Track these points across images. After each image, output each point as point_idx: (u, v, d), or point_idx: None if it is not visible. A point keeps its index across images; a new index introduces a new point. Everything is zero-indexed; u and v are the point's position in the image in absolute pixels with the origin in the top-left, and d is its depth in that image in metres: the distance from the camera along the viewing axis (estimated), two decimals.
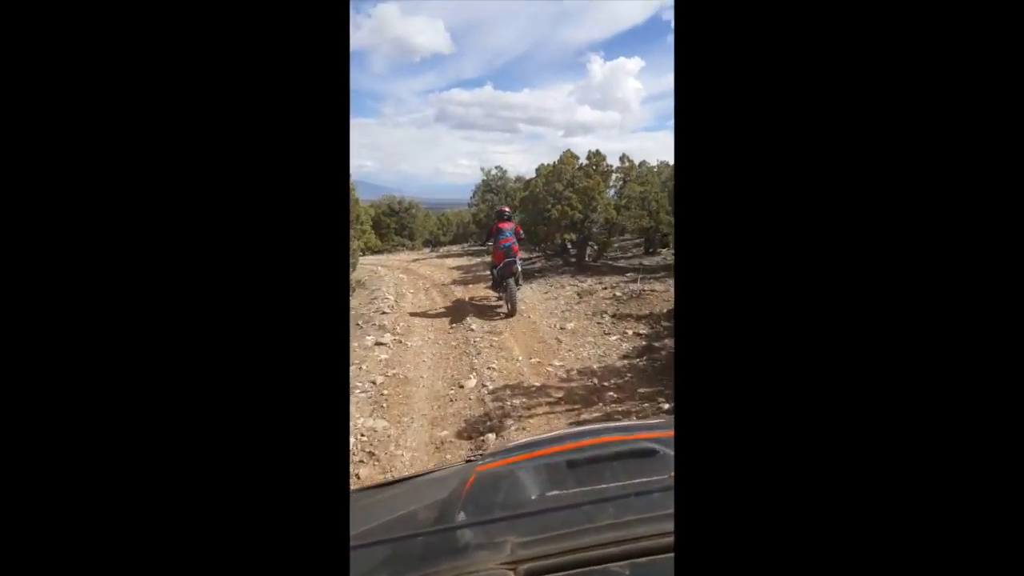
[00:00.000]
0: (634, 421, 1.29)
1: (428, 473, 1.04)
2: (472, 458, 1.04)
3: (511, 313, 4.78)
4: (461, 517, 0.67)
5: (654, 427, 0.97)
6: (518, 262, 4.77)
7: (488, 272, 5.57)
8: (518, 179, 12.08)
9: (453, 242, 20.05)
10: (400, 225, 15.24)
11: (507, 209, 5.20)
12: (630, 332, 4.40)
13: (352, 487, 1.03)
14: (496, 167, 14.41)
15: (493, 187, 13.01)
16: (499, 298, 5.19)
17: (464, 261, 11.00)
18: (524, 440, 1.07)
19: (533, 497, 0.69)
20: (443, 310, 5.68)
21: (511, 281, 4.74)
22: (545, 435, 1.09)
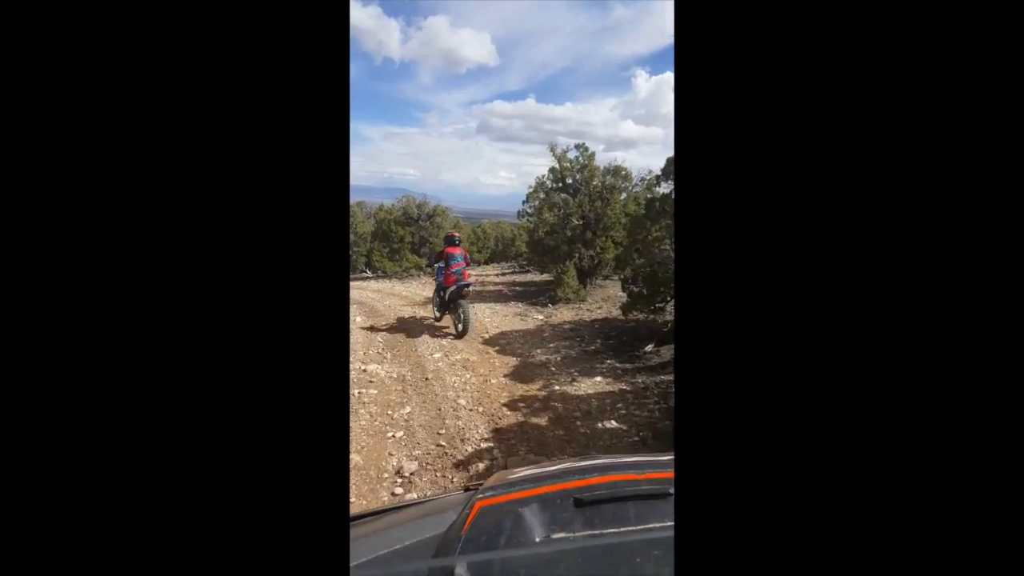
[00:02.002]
0: (645, 457, 0.99)
1: (425, 501, 1.02)
2: (471, 487, 0.95)
3: (463, 333, 4.79)
4: (459, 568, 0.59)
5: (666, 465, 0.83)
6: (471, 286, 4.88)
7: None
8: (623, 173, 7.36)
9: (491, 261, 16.01)
10: (419, 239, 11.12)
11: (457, 235, 5.25)
12: None
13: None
14: (578, 144, 9.22)
15: (570, 178, 7.72)
16: (437, 319, 5.30)
17: (521, 308, 6.80)
18: (527, 472, 0.98)
19: (537, 539, 0.64)
20: None
21: (464, 302, 4.79)
22: (550, 468, 0.99)
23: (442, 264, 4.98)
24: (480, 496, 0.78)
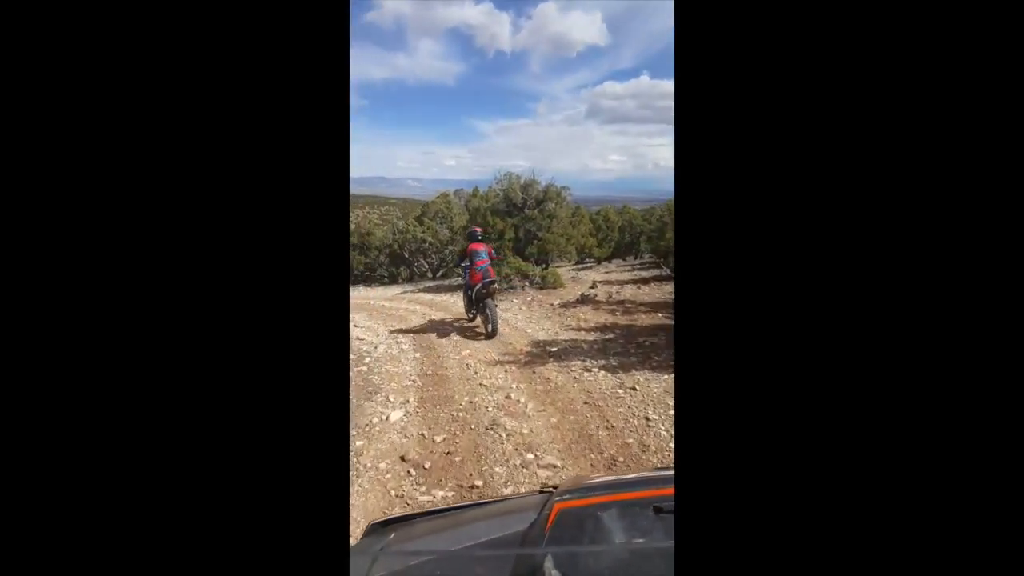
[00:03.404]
0: None
1: (498, 501, 1.06)
2: (546, 490, 0.98)
3: (492, 334, 4.56)
4: (548, 563, 0.62)
5: None
6: (496, 282, 4.68)
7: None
8: None
9: (613, 256, 12.32)
10: (525, 235, 7.91)
11: (479, 229, 5.10)
12: None
13: (413, 512, 1.10)
14: None
15: None
16: (471, 319, 5.12)
17: None
18: (605, 479, 1.07)
19: (617, 542, 0.66)
20: None
21: (490, 301, 4.58)
22: (627, 476, 1.05)
23: (466, 262, 4.76)
24: (559, 499, 0.80)
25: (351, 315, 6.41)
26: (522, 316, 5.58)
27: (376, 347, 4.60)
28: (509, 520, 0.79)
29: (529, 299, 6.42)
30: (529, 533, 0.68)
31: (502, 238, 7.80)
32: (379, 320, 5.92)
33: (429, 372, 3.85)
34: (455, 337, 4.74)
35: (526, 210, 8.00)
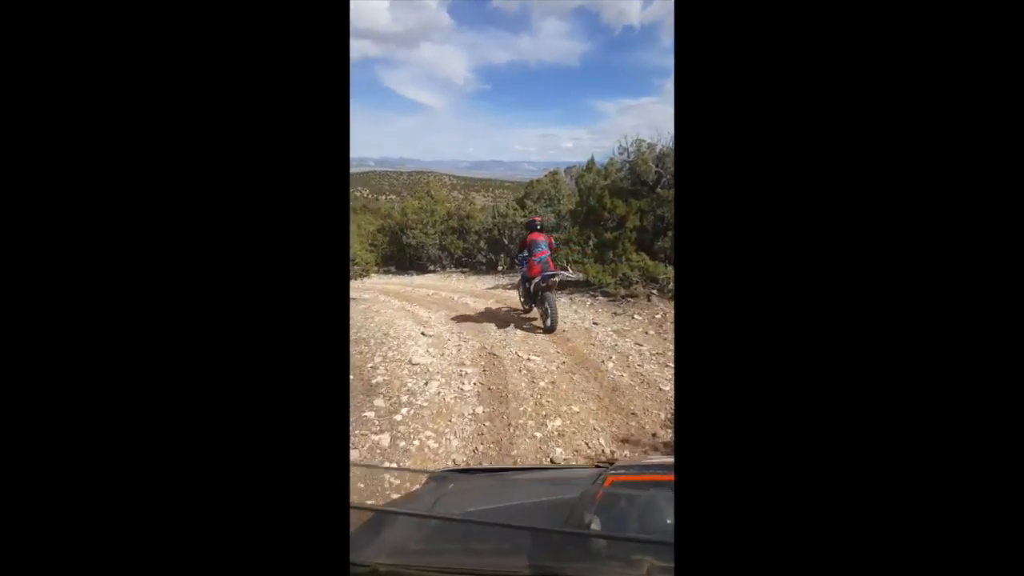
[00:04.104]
0: None
1: (548, 468, 1.18)
2: (601, 464, 1.02)
3: (551, 328, 4.22)
4: (595, 524, 0.65)
5: None
6: (558, 275, 4.35)
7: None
8: None
9: None
10: (656, 221, 5.86)
11: (538, 219, 4.73)
12: None
13: (464, 466, 1.27)
14: None
15: None
16: (526, 311, 4.85)
17: None
18: (659, 460, 1.10)
19: (669, 522, 0.65)
20: None
21: (550, 295, 4.28)
22: None
23: (525, 253, 4.46)
24: (612, 472, 0.85)
25: (418, 313, 5.10)
26: (649, 349, 3.70)
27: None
28: (562, 486, 0.84)
29: (658, 315, 4.48)
30: (581, 498, 0.69)
31: (622, 227, 5.87)
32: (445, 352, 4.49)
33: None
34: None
35: (659, 189, 5.93)
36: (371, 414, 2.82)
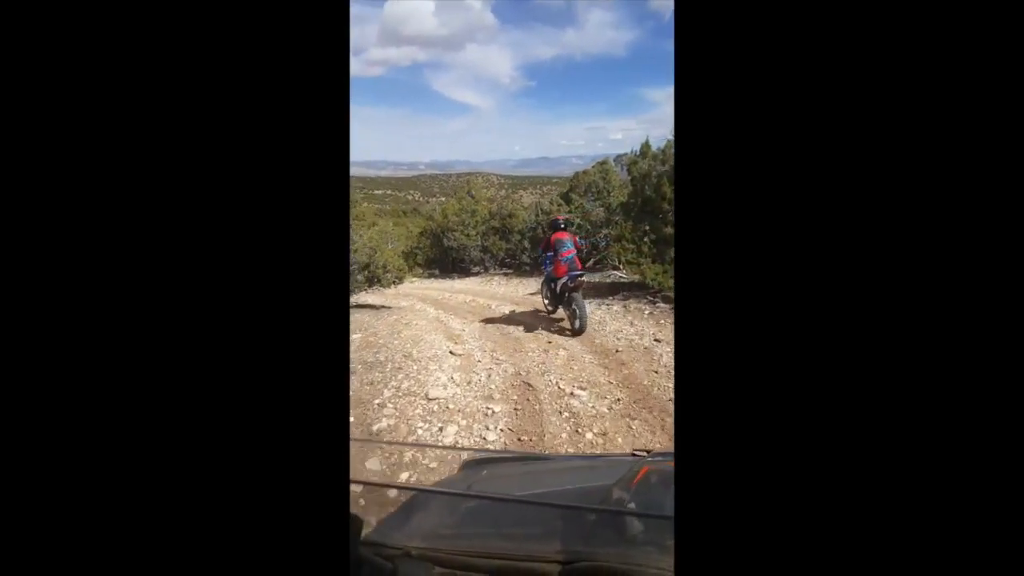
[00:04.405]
0: None
1: (584, 456, 1.14)
2: (638, 453, 0.97)
3: (580, 330, 4.02)
4: (631, 506, 0.66)
5: None
6: (584, 275, 4.19)
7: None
8: None
9: None
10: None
11: (562, 218, 4.70)
12: None
13: (506, 454, 1.20)
14: None
15: None
16: (550, 312, 4.67)
17: None
18: None
19: None
20: None
21: (578, 296, 4.08)
22: None
23: (550, 252, 4.34)
24: (649, 460, 0.84)
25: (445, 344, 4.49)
26: None
27: None
28: (598, 473, 0.83)
29: None
30: (618, 484, 0.69)
31: None
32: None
33: None
34: None
35: None
36: (357, 488, 2.21)
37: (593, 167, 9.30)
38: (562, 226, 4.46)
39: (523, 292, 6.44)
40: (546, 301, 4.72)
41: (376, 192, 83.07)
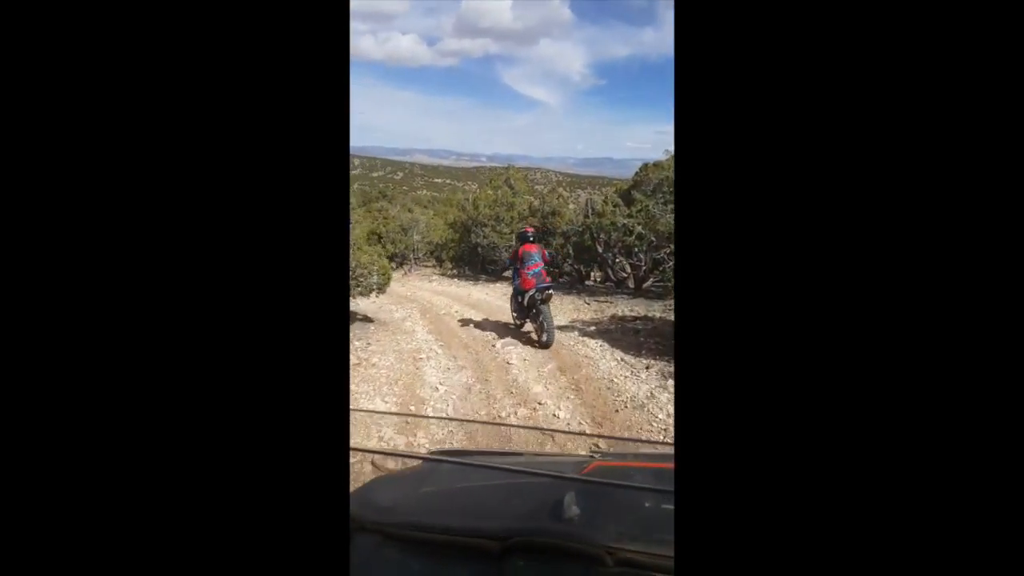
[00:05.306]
0: None
1: (549, 455, 1.22)
2: (595, 451, 1.04)
3: (547, 344, 4.02)
4: (571, 498, 0.68)
5: None
6: (551, 288, 4.21)
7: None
8: None
9: None
10: None
11: (530, 230, 4.66)
12: None
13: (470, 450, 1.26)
14: None
15: None
16: (518, 326, 4.60)
17: None
18: (654, 451, 1.12)
19: (647, 504, 0.70)
20: None
21: (545, 308, 4.08)
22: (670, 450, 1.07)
23: (518, 265, 4.31)
24: (600, 456, 0.91)
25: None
26: None
27: None
28: (551, 467, 0.87)
29: None
30: (564, 478, 0.74)
31: None
32: None
33: None
34: None
35: None
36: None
37: (668, 159, 7.18)
38: (531, 239, 4.39)
39: (560, 318, 4.58)
40: (514, 315, 4.65)
41: (436, 180, 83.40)
